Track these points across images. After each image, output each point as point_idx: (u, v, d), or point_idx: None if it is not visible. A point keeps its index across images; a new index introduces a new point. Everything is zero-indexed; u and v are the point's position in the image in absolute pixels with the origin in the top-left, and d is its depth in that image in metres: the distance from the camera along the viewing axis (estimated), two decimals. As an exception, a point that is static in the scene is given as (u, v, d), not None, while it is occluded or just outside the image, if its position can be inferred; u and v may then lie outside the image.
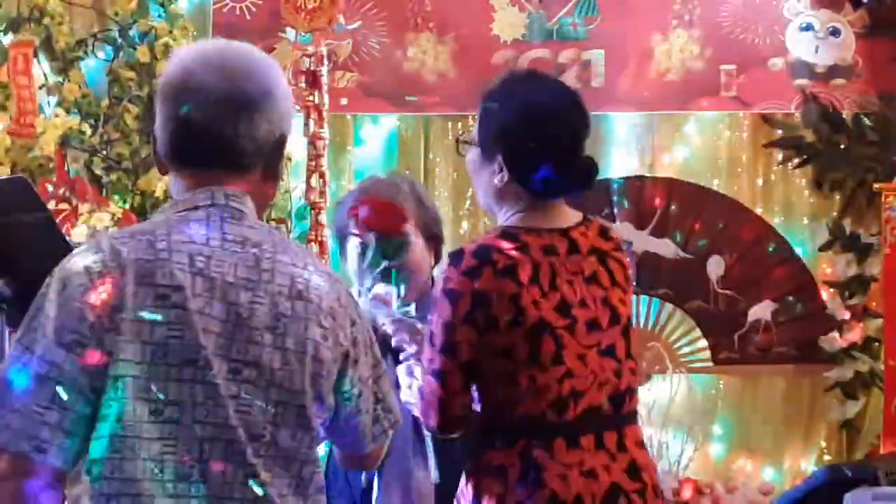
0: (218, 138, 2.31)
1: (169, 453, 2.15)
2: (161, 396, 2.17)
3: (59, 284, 2.22)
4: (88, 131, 5.55)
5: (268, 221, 5.61)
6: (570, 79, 6.36)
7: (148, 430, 2.16)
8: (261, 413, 2.22)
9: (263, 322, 2.24)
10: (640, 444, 3.02)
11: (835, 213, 6.34)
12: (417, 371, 3.08)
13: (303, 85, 5.79)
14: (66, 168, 5.51)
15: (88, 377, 2.17)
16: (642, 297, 6.38)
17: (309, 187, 5.73)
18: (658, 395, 6.23)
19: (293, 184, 5.83)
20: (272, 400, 2.23)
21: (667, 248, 6.38)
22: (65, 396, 2.16)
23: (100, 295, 2.19)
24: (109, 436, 2.16)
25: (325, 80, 5.71)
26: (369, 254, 3.44)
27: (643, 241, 6.38)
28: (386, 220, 3.48)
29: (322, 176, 5.74)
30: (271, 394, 2.23)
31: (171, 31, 5.74)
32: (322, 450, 2.54)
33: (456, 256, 2.95)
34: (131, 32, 5.77)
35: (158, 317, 2.18)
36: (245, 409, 2.21)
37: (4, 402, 2.17)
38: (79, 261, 2.23)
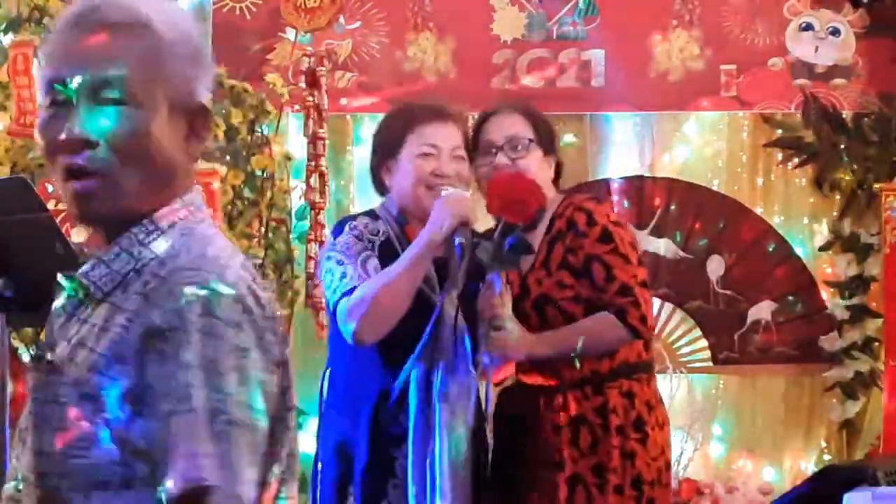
0: None
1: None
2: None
3: (245, 315, 1.79)
4: (88, 131, 5.54)
5: (268, 222, 5.62)
6: (570, 79, 6.38)
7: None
8: None
9: None
10: None
11: (835, 213, 6.33)
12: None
13: (303, 85, 5.79)
14: (66, 168, 5.50)
15: (272, 419, 1.84)
16: (642, 297, 6.38)
17: (309, 187, 5.73)
18: (658, 395, 6.23)
19: (293, 183, 5.82)
20: None
21: (667, 247, 6.37)
22: (263, 446, 1.81)
23: (279, 328, 1.85)
24: (281, 479, 1.87)
25: (324, 80, 5.71)
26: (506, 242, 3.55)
27: (643, 241, 6.37)
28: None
29: (322, 176, 5.74)
30: None
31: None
32: None
33: (597, 199, 4.06)
34: (131, 32, 5.76)
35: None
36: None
37: (226, 460, 1.75)
38: (249, 288, 1.82)
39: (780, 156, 6.39)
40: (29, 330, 5.29)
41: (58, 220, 4.83)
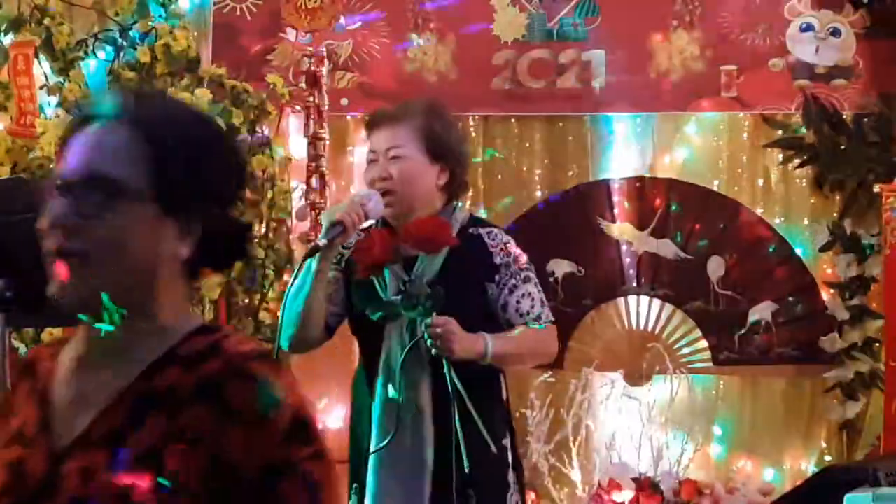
0: None
1: None
2: None
3: None
4: (89, 131, 5.53)
5: (269, 222, 5.62)
6: (569, 79, 6.38)
7: None
8: None
9: None
10: None
11: (835, 214, 6.33)
12: None
13: (303, 85, 5.79)
14: (66, 168, 5.50)
15: None
16: (642, 297, 6.38)
17: (309, 188, 5.73)
18: (658, 395, 6.23)
19: (293, 184, 5.82)
20: None
21: (667, 248, 6.37)
22: None
23: None
24: None
25: (325, 80, 5.71)
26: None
27: (643, 242, 6.38)
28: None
29: (322, 176, 5.74)
30: None
31: (171, 31, 5.74)
32: None
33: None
34: (131, 32, 5.76)
35: None
36: None
37: None
38: None
39: (780, 156, 6.39)
40: (29, 330, 5.29)
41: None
